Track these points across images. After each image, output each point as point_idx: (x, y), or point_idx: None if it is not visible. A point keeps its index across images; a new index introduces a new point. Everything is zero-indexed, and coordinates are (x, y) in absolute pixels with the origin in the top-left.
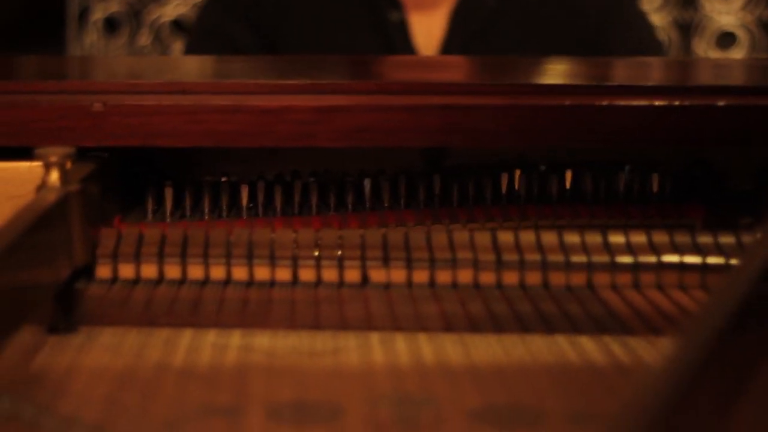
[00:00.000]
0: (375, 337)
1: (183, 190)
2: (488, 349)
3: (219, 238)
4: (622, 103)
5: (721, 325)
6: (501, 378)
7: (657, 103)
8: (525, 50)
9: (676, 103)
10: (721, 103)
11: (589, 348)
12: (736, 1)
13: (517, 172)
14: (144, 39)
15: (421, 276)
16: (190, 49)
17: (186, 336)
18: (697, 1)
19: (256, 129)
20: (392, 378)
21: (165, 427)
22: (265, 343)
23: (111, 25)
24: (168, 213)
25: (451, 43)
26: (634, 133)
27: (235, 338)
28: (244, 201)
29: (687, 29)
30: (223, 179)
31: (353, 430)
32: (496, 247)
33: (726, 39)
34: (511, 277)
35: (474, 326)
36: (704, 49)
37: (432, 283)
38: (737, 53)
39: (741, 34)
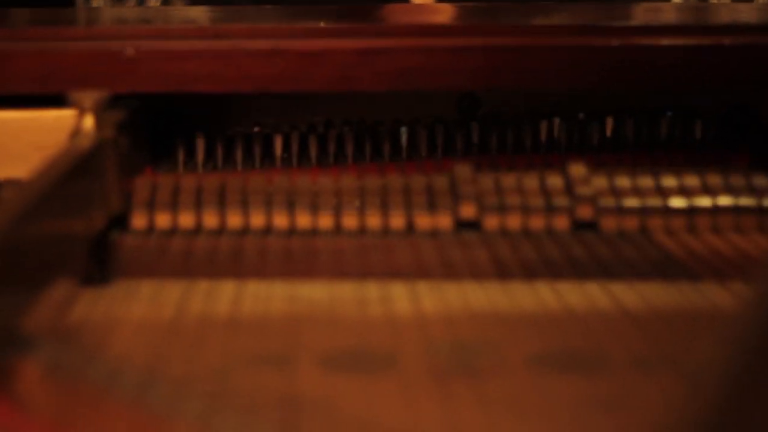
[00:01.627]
0: (423, 285)
1: (214, 141)
2: (541, 295)
3: (258, 186)
4: (667, 42)
5: None
6: (557, 324)
7: (701, 42)
8: None
9: (724, 42)
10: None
11: (647, 293)
12: None
13: (556, 120)
14: (153, 1)
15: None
16: None
17: (227, 287)
18: None
19: (295, 73)
20: (446, 325)
21: (215, 373)
22: (310, 293)
23: None
24: (200, 164)
25: None
26: (678, 73)
27: (278, 288)
28: (278, 151)
29: None
30: (256, 129)
31: (412, 378)
32: (545, 191)
33: None
34: (561, 223)
35: (526, 273)
36: None
37: (480, 229)
38: None
39: None
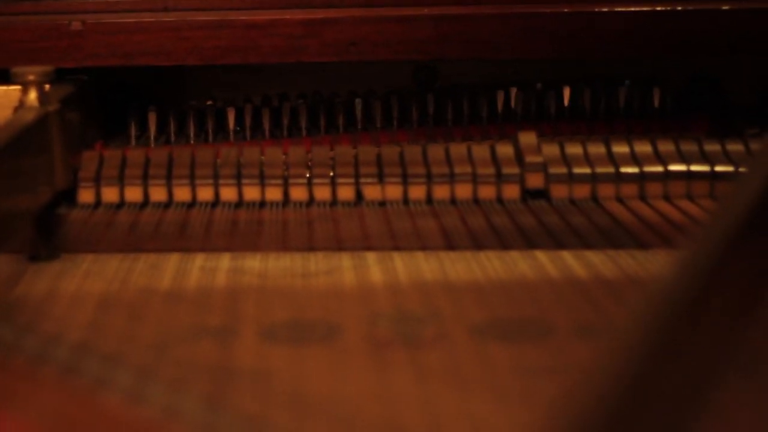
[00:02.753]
0: (372, 257)
1: (167, 115)
2: (490, 265)
3: (206, 159)
4: (620, 9)
5: (730, 232)
6: (505, 293)
7: (657, 8)
8: None
9: (678, 8)
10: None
11: (595, 261)
12: None
13: (513, 90)
14: None
15: (417, 192)
16: None
17: (173, 260)
18: None
19: (242, 44)
20: (391, 296)
21: (152, 348)
22: (256, 265)
23: None
24: (152, 138)
25: None
26: (633, 40)
27: (225, 261)
28: (231, 124)
29: None
30: (209, 103)
31: (352, 348)
32: (496, 161)
33: None
34: (511, 191)
35: (475, 242)
36: None
37: (429, 200)
38: None
39: None
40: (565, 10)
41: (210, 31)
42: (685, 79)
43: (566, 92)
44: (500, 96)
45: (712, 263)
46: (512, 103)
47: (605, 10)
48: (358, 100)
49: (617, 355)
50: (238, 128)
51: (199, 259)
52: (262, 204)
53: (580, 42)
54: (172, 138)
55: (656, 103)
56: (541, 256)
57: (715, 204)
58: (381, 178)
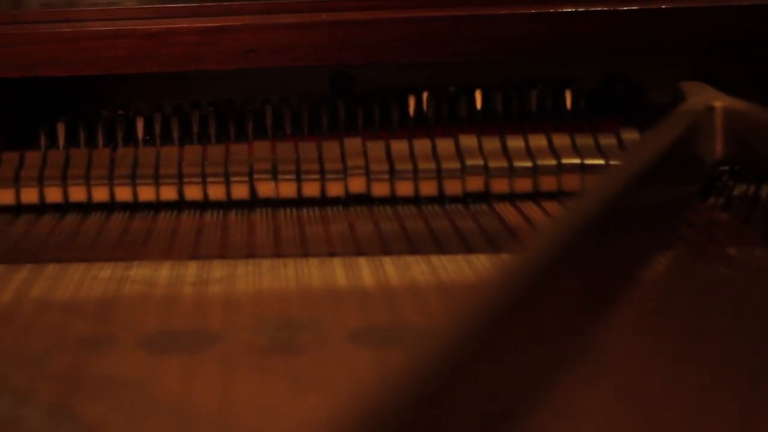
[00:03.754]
0: (266, 264)
1: (77, 124)
2: (378, 270)
3: (102, 160)
4: (520, 11)
5: (570, 237)
6: (388, 299)
7: (559, 9)
8: None
9: (581, 9)
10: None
11: (486, 265)
12: None
13: (425, 94)
14: None
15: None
16: None
17: (62, 269)
18: None
19: (140, 54)
20: (278, 303)
21: (26, 360)
22: (153, 274)
23: None
24: (61, 148)
25: None
26: (533, 43)
27: (118, 269)
28: (140, 133)
29: None
30: (120, 112)
31: (230, 356)
32: (390, 159)
33: None
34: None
35: (373, 247)
36: None
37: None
38: None
39: None
40: (463, 13)
41: (107, 41)
42: (601, 81)
43: (478, 96)
44: (412, 100)
45: (543, 267)
46: (424, 108)
47: (504, 12)
48: (268, 107)
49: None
50: (147, 137)
51: (93, 269)
52: (157, 208)
53: (478, 45)
54: (83, 147)
55: (569, 105)
56: (435, 260)
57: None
58: (274, 175)
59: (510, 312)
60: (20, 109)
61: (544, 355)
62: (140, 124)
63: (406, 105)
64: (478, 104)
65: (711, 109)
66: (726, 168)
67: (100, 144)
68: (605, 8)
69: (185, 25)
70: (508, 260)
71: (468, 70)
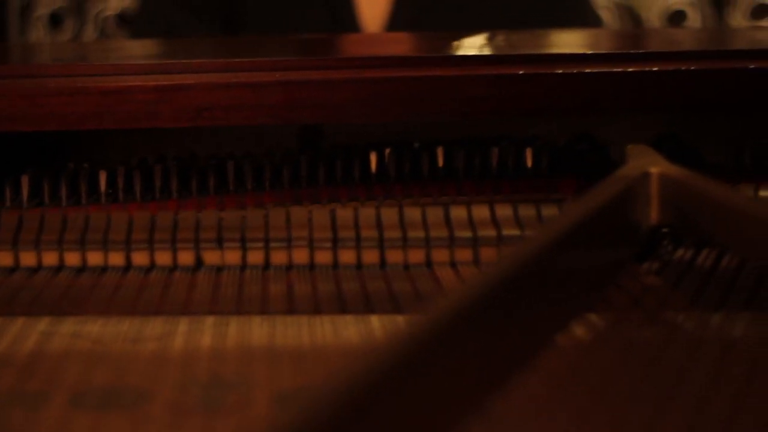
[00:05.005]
0: (209, 321)
1: (41, 178)
2: (318, 329)
3: (54, 224)
4: (477, 72)
5: (477, 301)
6: (323, 360)
7: (517, 71)
8: (476, 23)
9: (520, 72)
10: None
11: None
12: None
13: (387, 150)
14: (89, 33)
15: (256, 257)
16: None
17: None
18: None
19: (98, 111)
20: (212, 362)
21: None
22: (94, 329)
23: (55, 20)
24: (24, 201)
25: (398, 19)
26: (491, 104)
27: (67, 325)
28: (102, 187)
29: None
30: (84, 165)
31: (155, 415)
32: (335, 226)
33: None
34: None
35: (313, 307)
36: (739, 22)
37: (267, 265)
38: None
39: None
40: (418, 74)
41: (66, 97)
42: (566, 138)
43: (440, 152)
44: (374, 157)
45: (440, 332)
46: (386, 163)
47: (460, 74)
48: (230, 163)
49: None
50: (110, 191)
51: (41, 323)
52: (104, 268)
53: (435, 107)
54: (46, 200)
55: (529, 163)
56: (375, 320)
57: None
58: (220, 243)
59: (397, 376)
60: None
61: (437, 420)
62: (102, 178)
63: (368, 161)
64: (440, 161)
65: (646, 175)
66: (667, 232)
67: (64, 198)
68: (565, 71)
69: (141, 83)
70: (404, 324)
71: (438, 124)
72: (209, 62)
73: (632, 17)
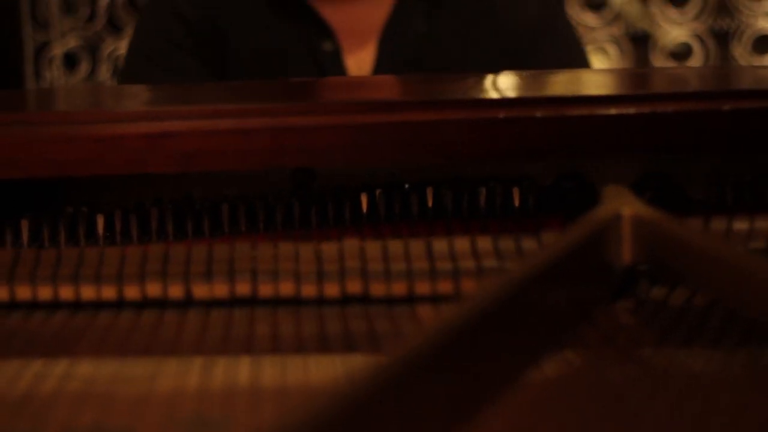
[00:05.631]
0: (198, 361)
1: (41, 221)
2: (304, 369)
3: (48, 260)
4: (461, 116)
5: (445, 340)
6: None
7: (499, 115)
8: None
9: (500, 115)
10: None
11: None
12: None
13: (378, 192)
14: (103, 73)
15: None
16: (129, 69)
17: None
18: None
19: (90, 158)
20: (198, 402)
21: None
22: (85, 369)
23: (69, 60)
24: (25, 244)
25: (381, 72)
26: (476, 147)
27: (59, 366)
28: (100, 230)
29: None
30: (83, 209)
31: None
32: (320, 261)
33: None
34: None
35: (298, 346)
36: (741, 54)
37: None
38: None
39: None
40: (402, 119)
41: (59, 144)
42: (554, 178)
43: (429, 193)
44: (364, 198)
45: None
46: (377, 204)
47: (444, 118)
48: (224, 206)
49: None
50: (108, 233)
51: (35, 365)
52: (98, 305)
53: (412, 149)
54: (46, 243)
55: (516, 202)
56: (356, 360)
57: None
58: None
59: (366, 413)
60: None
61: None
62: (100, 222)
63: (358, 202)
64: (429, 202)
65: (619, 217)
66: (642, 271)
67: (63, 241)
68: (544, 114)
69: (132, 131)
70: (376, 362)
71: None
72: (197, 109)
73: (637, 51)
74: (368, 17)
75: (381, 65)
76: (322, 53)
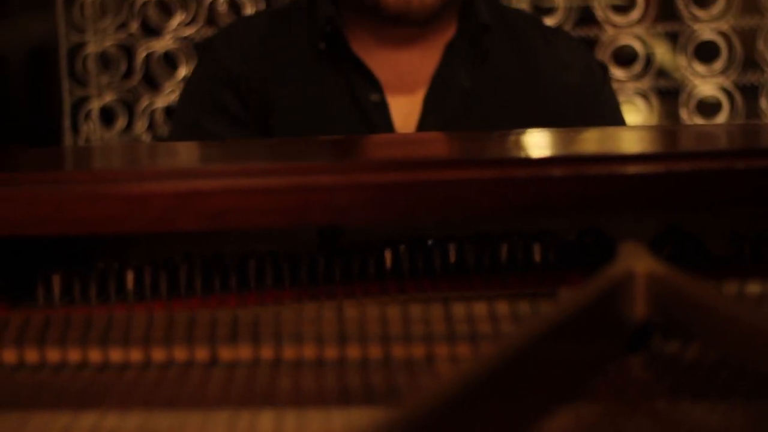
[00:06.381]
0: (222, 415)
1: (71, 278)
2: (324, 424)
3: (78, 321)
4: (482, 176)
5: (464, 392)
6: None
7: (518, 175)
8: (502, 129)
9: (520, 175)
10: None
11: None
12: None
13: (401, 247)
14: (139, 127)
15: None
16: (179, 118)
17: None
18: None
19: (120, 215)
20: None
21: None
22: (114, 423)
23: (106, 115)
24: (56, 300)
25: (427, 125)
26: (482, 206)
27: (88, 419)
28: (129, 285)
29: (752, 90)
30: (115, 265)
31: None
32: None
33: None
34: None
35: (319, 400)
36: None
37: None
38: None
39: None
40: (424, 178)
41: (90, 202)
42: (576, 233)
43: (451, 249)
44: (388, 255)
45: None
46: (402, 260)
47: (466, 177)
48: (251, 262)
49: None
50: (137, 289)
51: (64, 417)
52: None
53: (440, 209)
54: (77, 299)
55: (537, 258)
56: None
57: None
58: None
59: None
60: (14, 262)
61: None
62: (130, 278)
63: (382, 257)
64: (452, 257)
65: (632, 274)
66: (655, 326)
67: (94, 297)
68: (569, 173)
69: (161, 189)
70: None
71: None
72: (225, 168)
73: (667, 105)
74: (415, 71)
75: (426, 119)
76: (369, 105)
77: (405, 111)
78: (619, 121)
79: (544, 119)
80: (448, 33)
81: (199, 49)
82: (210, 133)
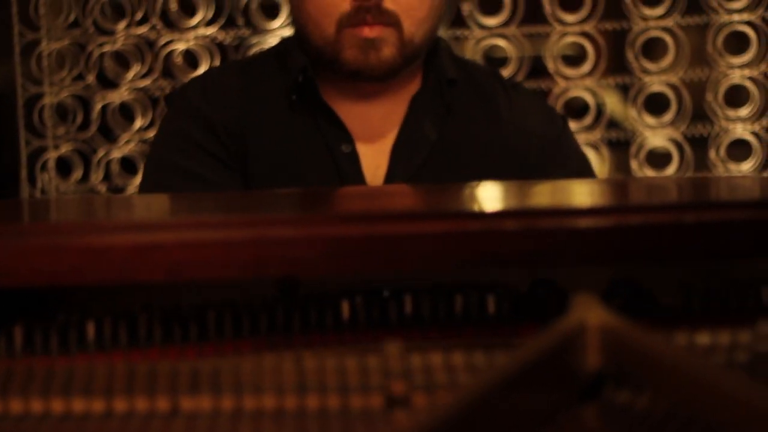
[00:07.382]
0: None
1: (33, 328)
2: None
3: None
4: (432, 230)
5: None
6: None
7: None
8: (468, 179)
9: (473, 228)
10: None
11: None
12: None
13: (358, 299)
14: (95, 178)
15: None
16: (156, 164)
17: None
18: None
19: (80, 267)
20: None
21: None
22: None
23: (62, 166)
24: (17, 351)
25: (395, 175)
26: (434, 258)
27: None
28: (90, 336)
29: (701, 142)
30: (74, 316)
31: None
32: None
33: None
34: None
35: None
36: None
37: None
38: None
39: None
40: (377, 232)
41: (51, 255)
42: (528, 284)
43: (407, 300)
44: (346, 306)
45: None
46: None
47: (416, 231)
48: (211, 313)
49: None
50: (98, 340)
51: None
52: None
53: (392, 261)
54: (38, 350)
55: (491, 310)
56: None
57: None
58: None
59: None
60: None
61: None
62: (91, 329)
63: (338, 308)
64: (408, 308)
65: (584, 326)
66: (608, 376)
67: (55, 348)
68: (520, 227)
69: (121, 242)
70: None
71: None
72: (183, 220)
73: (618, 156)
74: (383, 123)
75: (394, 169)
76: (340, 155)
77: (374, 161)
78: (584, 161)
79: (509, 167)
80: (413, 86)
81: (170, 98)
82: (190, 174)
